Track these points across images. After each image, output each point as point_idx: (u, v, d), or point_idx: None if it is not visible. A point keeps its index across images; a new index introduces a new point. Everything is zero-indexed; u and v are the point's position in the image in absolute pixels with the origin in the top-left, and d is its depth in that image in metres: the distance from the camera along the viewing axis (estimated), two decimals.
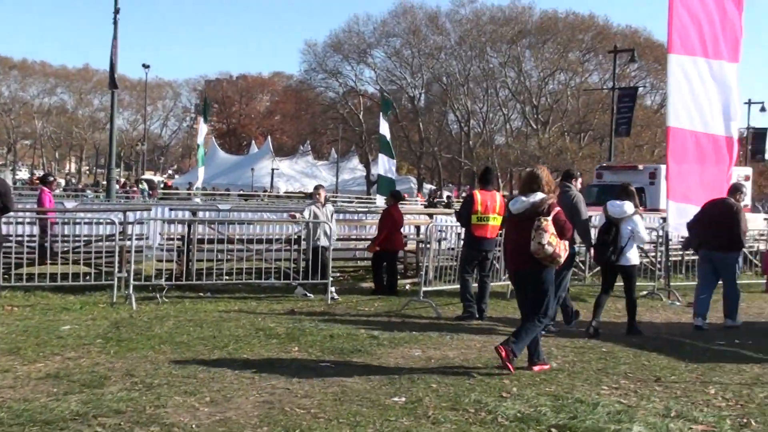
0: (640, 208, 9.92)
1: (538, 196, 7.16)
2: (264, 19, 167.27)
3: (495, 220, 10.45)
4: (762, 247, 16.76)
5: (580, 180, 10.59)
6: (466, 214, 10.37)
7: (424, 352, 8.00)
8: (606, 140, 50.76)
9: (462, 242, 10.90)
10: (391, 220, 12.77)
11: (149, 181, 48.62)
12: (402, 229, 13.39)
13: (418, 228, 14.76)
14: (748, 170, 26.95)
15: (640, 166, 24.96)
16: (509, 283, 12.45)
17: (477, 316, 10.26)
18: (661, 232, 14.18)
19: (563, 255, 7.05)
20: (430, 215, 16.19)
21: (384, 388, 6.40)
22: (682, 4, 12.95)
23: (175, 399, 5.83)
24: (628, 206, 9.45)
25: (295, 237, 12.65)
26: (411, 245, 14.52)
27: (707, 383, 6.82)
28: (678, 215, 12.51)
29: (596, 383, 6.76)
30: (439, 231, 13.42)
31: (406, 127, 67.05)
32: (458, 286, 11.05)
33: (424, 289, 11.19)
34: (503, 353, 7.01)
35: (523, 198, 7.24)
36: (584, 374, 7.10)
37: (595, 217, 12.27)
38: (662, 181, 22.01)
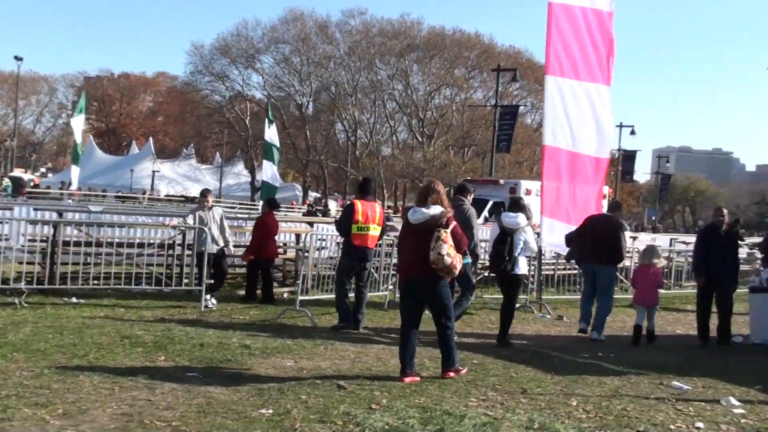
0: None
1: (438, 209, 7.29)
2: (149, 16, 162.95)
3: (375, 230, 10.48)
4: (627, 263, 17.54)
5: (471, 194, 10.87)
6: (346, 223, 10.34)
7: (297, 363, 7.88)
8: (488, 156, 52.18)
9: (341, 251, 10.85)
10: (264, 228, 12.59)
11: (15, 179, 45.95)
12: (280, 237, 13.20)
13: (298, 236, 14.61)
14: (605, 189, 27.96)
15: (501, 181, 25.85)
16: (387, 293, 12.59)
17: (353, 326, 10.22)
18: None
19: (458, 267, 7.27)
20: (311, 224, 16.08)
21: (252, 399, 6.24)
22: (558, 28, 13.43)
23: (24, 411, 5.46)
24: (522, 218, 9.85)
25: (170, 242, 12.24)
26: (291, 253, 14.36)
27: (570, 395, 7.01)
28: (549, 231, 12.92)
29: (465, 395, 6.82)
30: (320, 239, 13.33)
31: (293, 134, 66.66)
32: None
33: (300, 297, 11.05)
34: (451, 375, 7.42)
35: (424, 209, 7.33)
36: (454, 386, 7.16)
37: (485, 230, 12.59)
38: (522, 196, 23.36)
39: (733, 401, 6.93)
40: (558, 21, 13.46)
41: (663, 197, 72.36)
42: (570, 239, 11.71)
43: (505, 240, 9.75)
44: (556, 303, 13.84)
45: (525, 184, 24.44)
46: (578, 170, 13.80)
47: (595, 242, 10.87)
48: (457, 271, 7.32)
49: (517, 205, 10.19)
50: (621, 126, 51.20)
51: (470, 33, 65.61)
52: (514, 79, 41.17)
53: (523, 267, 9.92)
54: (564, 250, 13.03)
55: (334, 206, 54.52)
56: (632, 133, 52.13)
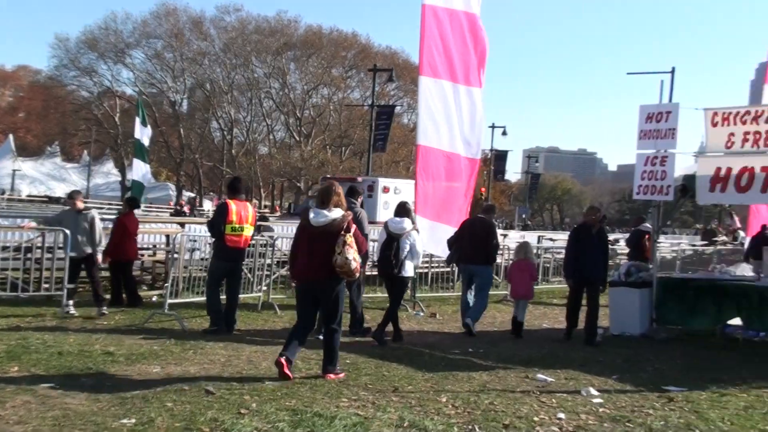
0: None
1: (339, 212, 7.41)
2: (8, 5, 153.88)
3: (249, 231, 10.32)
4: (499, 260, 18.03)
5: (361, 197, 11.08)
6: (219, 223, 10.09)
7: (164, 369, 7.62)
8: (365, 155, 52.49)
9: (212, 252, 10.58)
10: (122, 228, 12.13)
11: None
12: (150, 239, 12.76)
13: (168, 237, 14.17)
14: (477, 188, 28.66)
15: (360, 179, 26.01)
16: (261, 294, 12.40)
17: (225, 329, 9.99)
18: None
19: (359, 270, 7.50)
20: (182, 224, 15.63)
21: (113, 409, 5.96)
22: (432, 30, 13.64)
23: None
24: (407, 223, 10.13)
25: (28, 245, 11.58)
26: (161, 255, 13.92)
27: (440, 392, 7.10)
28: (428, 232, 13.08)
29: (337, 396, 6.79)
30: (192, 240, 12.98)
31: (167, 132, 64.75)
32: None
33: (170, 301, 10.68)
34: (331, 377, 7.42)
35: (326, 212, 7.40)
36: (326, 387, 7.11)
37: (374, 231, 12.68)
38: (380, 194, 23.82)
39: (593, 391, 7.23)
40: (431, 22, 13.67)
41: (533, 196, 75.07)
42: (450, 242, 12.06)
43: (391, 244, 10.01)
44: (429, 300, 14.05)
45: (383, 182, 24.73)
46: (451, 169, 14.07)
47: (472, 244, 11.35)
48: (357, 274, 7.48)
49: (404, 210, 10.37)
50: (493, 127, 52.77)
51: (347, 33, 65.91)
52: (391, 80, 41.58)
53: (409, 270, 10.12)
54: (433, 249, 13.28)
55: (209, 206, 53.40)
56: (504, 133, 53.74)
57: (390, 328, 10.08)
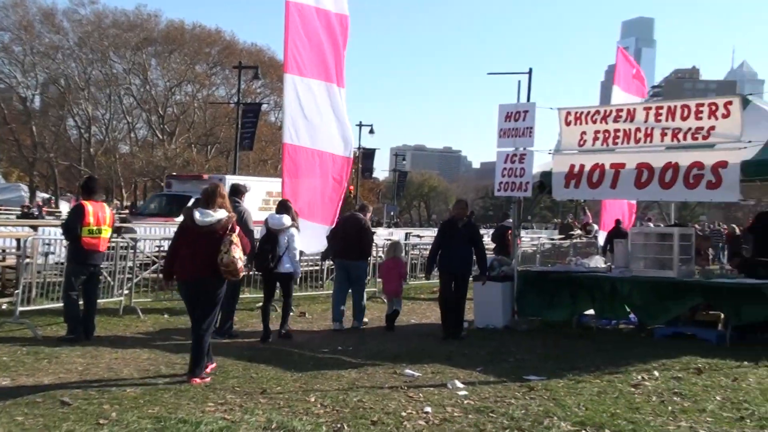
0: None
1: (224, 212, 7.51)
2: None
3: (106, 233, 9.91)
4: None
5: (245, 195, 11.13)
6: (75, 226, 9.60)
7: (14, 381, 7.19)
8: (232, 153, 51.60)
9: (67, 256, 10.06)
10: None
11: None
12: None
13: (18, 241, 13.37)
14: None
15: (206, 176, 25.59)
16: (123, 299, 11.92)
17: (83, 336, 9.53)
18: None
19: (243, 270, 7.67)
20: (34, 227, 14.79)
21: None
22: (296, 27, 13.55)
23: None
24: (286, 219, 10.28)
25: None
26: (11, 260, 13.12)
27: (309, 391, 7.07)
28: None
29: (203, 400, 6.62)
30: (46, 244, 12.31)
31: (17, 130, 61.04)
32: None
33: (21, 308, 10.08)
34: (197, 381, 7.27)
35: (212, 213, 7.45)
36: (191, 392, 6.92)
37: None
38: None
39: (458, 384, 7.40)
40: (296, 20, 13.57)
41: (400, 193, 76.27)
42: (328, 239, 12.55)
43: (269, 240, 10.20)
44: (298, 300, 13.97)
45: (230, 179, 23.56)
46: (321, 168, 14.03)
47: (346, 240, 11.75)
48: (242, 274, 7.72)
49: (284, 207, 10.59)
50: (360, 125, 53.14)
51: (211, 29, 64.42)
52: (256, 77, 41.14)
53: (287, 265, 10.22)
54: (304, 246, 13.21)
55: (66, 207, 50.88)
56: (371, 132, 54.27)
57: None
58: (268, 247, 10.18)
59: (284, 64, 13.93)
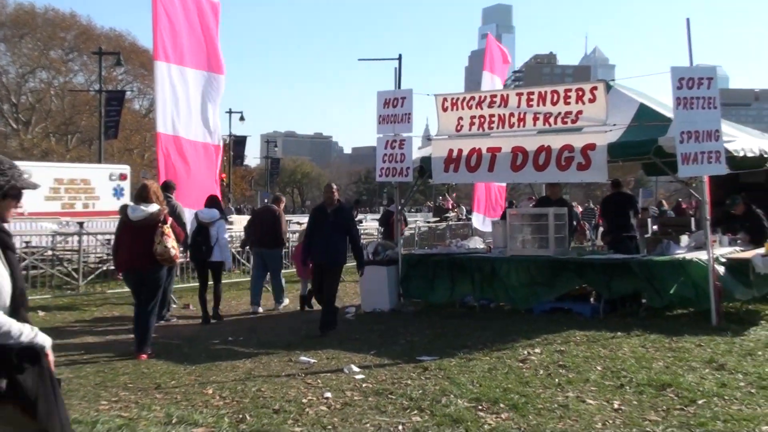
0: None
1: (155, 206, 8.35)
2: None
3: None
4: None
5: (175, 191, 12.09)
6: None
7: None
8: (95, 143, 49.45)
9: None
10: None
11: None
12: None
13: None
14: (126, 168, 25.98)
15: None
16: None
17: None
18: None
19: (179, 257, 8.71)
20: None
21: None
22: (166, 15, 13.21)
23: None
24: (215, 212, 11.35)
25: None
26: None
27: (205, 384, 6.99)
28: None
29: (95, 399, 6.42)
30: None
31: None
32: None
33: None
34: (143, 357, 8.15)
35: (143, 207, 8.30)
36: (81, 391, 6.69)
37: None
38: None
39: (354, 368, 7.51)
40: (164, 6, 13.24)
41: (274, 180, 75.57)
42: (245, 228, 13.53)
43: (201, 232, 11.21)
44: (181, 292, 13.67)
45: (23, 167, 23.01)
46: (194, 156, 13.76)
47: (262, 229, 12.56)
48: (178, 261, 8.79)
49: (213, 201, 11.65)
50: (230, 112, 52.31)
51: (65, 12, 61.24)
52: (119, 63, 39.57)
53: (218, 254, 11.23)
54: None
55: None
56: (241, 119, 53.47)
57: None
58: (200, 239, 11.14)
59: (153, 51, 13.56)
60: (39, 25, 58.24)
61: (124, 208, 8.62)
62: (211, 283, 11.43)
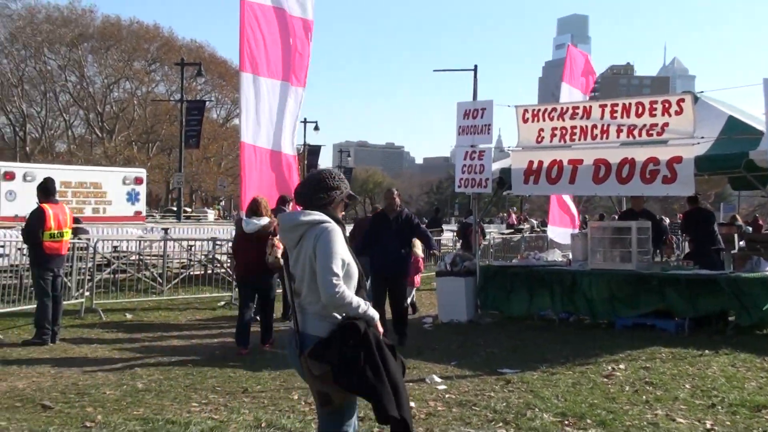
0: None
1: (265, 219, 9.08)
2: None
3: (67, 235, 9.74)
4: None
5: (291, 204, 12.02)
6: (37, 231, 9.31)
7: None
8: (174, 151, 50.87)
9: (30, 261, 9.81)
10: None
11: None
12: None
13: None
14: (141, 171, 26.24)
15: None
16: (83, 300, 11.74)
17: (49, 339, 9.35)
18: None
19: None
20: None
21: None
22: (252, 26, 13.47)
23: None
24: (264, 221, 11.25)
25: None
26: None
27: (290, 389, 7.09)
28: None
29: (186, 401, 6.61)
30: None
31: None
32: (23, 307, 10.20)
33: None
34: (266, 347, 9.18)
35: (254, 220, 9.06)
36: (172, 393, 6.89)
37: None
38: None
39: (436, 378, 7.52)
40: (251, 19, 13.49)
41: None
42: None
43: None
44: None
45: (4, 166, 22.13)
46: (275, 167, 13.99)
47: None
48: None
49: (283, 202, 12.15)
50: (305, 122, 53.00)
51: (149, 24, 63.27)
52: (199, 74, 40.64)
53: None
54: None
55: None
56: (316, 128, 54.17)
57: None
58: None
59: (240, 63, 13.84)
60: (124, 37, 60.32)
61: (239, 221, 9.53)
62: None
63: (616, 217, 14.10)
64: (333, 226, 3.86)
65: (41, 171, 20.12)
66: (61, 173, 21.04)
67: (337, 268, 3.73)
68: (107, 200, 21.16)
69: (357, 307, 3.76)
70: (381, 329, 3.90)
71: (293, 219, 3.95)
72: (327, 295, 3.70)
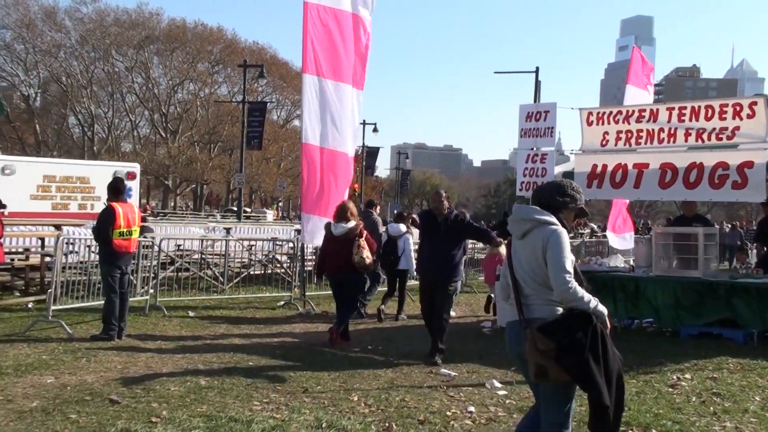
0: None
1: (352, 223, 9.72)
2: None
3: (136, 233, 9.99)
4: None
5: (378, 207, 13.64)
6: (107, 229, 9.59)
7: (58, 379, 7.23)
8: (235, 152, 51.60)
9: (100, 258, 10.07)
10: None
11: None
12: (23, 242, 12.00)
13: (42, 240, 13.42)
14: (134, 166, 24.99)
15: None
16: (147, 297, 12.00)
17: (115, 334, 9.58)
18: (296, 244, 14.73)
19: (373, 265, 10.00)
20: (57, 226, 14.84)
21: (12, 425, 5.62)
22: (314, 29, 13.57)
23: None
24: (402, 227, 12.79)
25: None
26: (35, 259, 13.18)
27: (350, 390, 7.13)
28: (312, 226, 13.09)
29: (247, 399, 6.68)
30: (68, 243, 12.34)
31: (20, 128, 61.00)
32: (90, 303, 10.48)
33: (53, 307, 10.12)
34: (334, 335, 9.56)
35: (342, 224, 9.70)
36: (234, 390, 6.99)
37: None
38: None
39: (496, 383, 7.46)
40: (314, 21, 13.58)
41: (403, 191, 76.30)
42: None
43: (390, 243, 12.66)
44: (318, 299, 14.02)
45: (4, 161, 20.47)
46: (334, 167, 14.06)
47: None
48: (372, 268, 10.01)
49: (401, 217, 13.28)
50: (364, 123, 53.18)
51: (213, 27, 64.50)
52: (261, 76, 41.09)
53: (404, 263, 12.52)
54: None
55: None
56: (375, 130, 54.35)
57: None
58: (389, 250, 12.60)
59: (303, 64, 13.96)
60: (189, 39, 61.55)
61: (328, 225, 10.19)
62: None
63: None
64: (561, 229, 4.24)
65: (21, 164, 19.23)
66: (45, 167, 20.41)
67: (569, 266, 4.12)
68: (95, 196, 19.68)
69: (588, 302, 4.10)
70: (609, 325, 4.21)
71: (528, 213, 4.35)
72: (561, 291, 4.09)
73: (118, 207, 9.69)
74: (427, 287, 9.15)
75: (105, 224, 9.60)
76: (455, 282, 9.25)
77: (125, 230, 9.66)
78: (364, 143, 54.44)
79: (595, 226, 38.47)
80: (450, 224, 8.95)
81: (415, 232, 12.20)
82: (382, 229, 13.17)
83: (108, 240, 9.57)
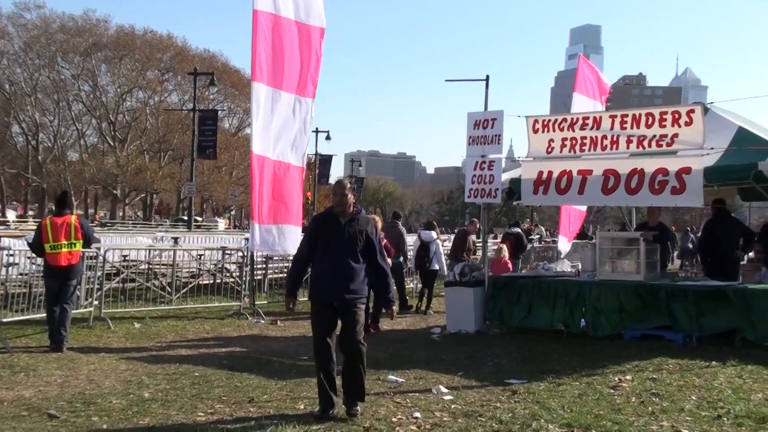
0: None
1: None
2: None
3: (71, 246, 9.86)
4: None
5: (402, 218, 14.74)
6: (37, 243, 9.98)
7: None
8: (186, 160, 51.06)
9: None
10: None
11: None
12: None
13: None
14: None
15: None
16: (92, 309, 11.79)
17: (54, 347, 9.43)
18: (245, 253, 14.62)
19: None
20: None
21: None
22: (263, 37, 13.49)
23: None
24: (433, 234, 14.81)
25: None
26: None
27: (297, 399, 7.10)
28: (265, 235, 13.04)
29: (192, 410, 6.61)
30: (9, 255, 12.07)
31: None
32: (32, 315, 10.28)
33: None
34: (372, 330, 10.94)
35: None
36: (179, 402, 6.90)
37: None
38: None
39: (443, 389, 7.50)
40: (264, 29, 13.50)
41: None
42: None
43: (423, 248, 14.66)
44: (268, 307, 13.94)
45: None
46: (285, 176, 13.98)
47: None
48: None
49: (431, 225, 15.51)
50: (317, 131, 53.13)
51: (162, 34, 63.74)
52: (212, 84, 40.84)
53: (435, 265, 14.63)
54: (291, 248, 13.11)
55: (12, 216, 50.10)
56: (327, 138, 54.28)
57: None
58: (422, 253, 14.63)
59: (252, 72, 13.87)
60: (138, 47, 60.75)
61: None
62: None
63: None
64: None
65: None
66: None
67: None
68: None
69: None
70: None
71: None
72: None
73: (48, 222, 9.96)
74: (322, 315, 6.56)
75: (35, 239, 10.06)
76: (363, 301, 6.69)
77: (54, 244, 9.82)
78: (317, 151, 54.36)
79: (544, 230, 39.03)
80: (354, 227, 6.77)
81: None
82: (409, 237, 15.08)
83: (41, 253, 9.94)
